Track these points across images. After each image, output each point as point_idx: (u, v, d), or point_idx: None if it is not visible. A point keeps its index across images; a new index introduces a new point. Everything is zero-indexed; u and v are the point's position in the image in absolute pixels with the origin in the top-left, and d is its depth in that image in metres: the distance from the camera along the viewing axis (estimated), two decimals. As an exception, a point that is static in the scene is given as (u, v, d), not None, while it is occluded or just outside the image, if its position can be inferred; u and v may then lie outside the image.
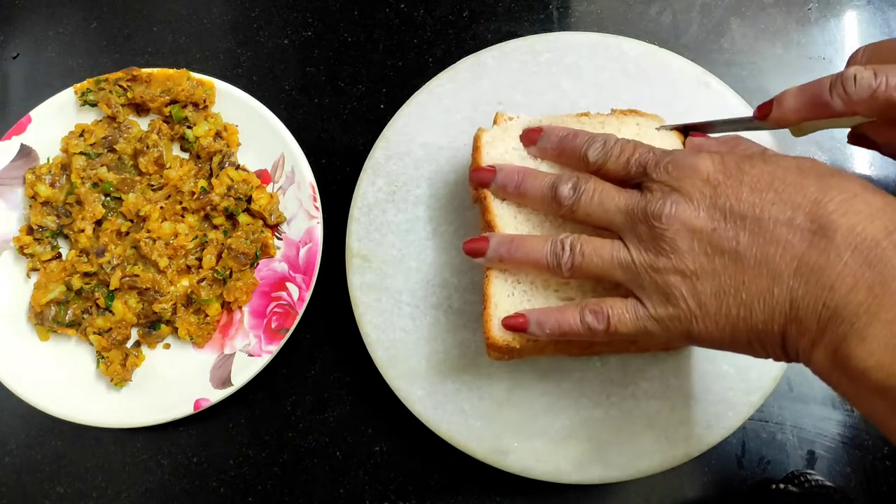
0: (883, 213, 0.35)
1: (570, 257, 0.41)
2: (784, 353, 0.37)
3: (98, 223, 0.57)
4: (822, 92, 0.40)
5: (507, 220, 0.46)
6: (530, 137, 0.47)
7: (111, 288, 0.55)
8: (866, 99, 0.38)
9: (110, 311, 0.55)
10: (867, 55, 0.42)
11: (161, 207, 0.57)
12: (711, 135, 0.47)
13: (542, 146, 0.46)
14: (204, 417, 0.55)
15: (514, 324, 0.43)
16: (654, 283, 0.39)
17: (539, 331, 0.42)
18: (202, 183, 0.57)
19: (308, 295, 0.54)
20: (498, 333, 0.44)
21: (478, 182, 0.47)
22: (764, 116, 0.43)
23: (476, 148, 0.49)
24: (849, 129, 0.45)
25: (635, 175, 0.41)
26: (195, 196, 0.57)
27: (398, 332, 0.52)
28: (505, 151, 0.48)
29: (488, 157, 0.48)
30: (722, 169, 0.38)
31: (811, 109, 0.41)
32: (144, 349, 0.56)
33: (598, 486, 0.52)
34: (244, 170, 0.58)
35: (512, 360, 0.47)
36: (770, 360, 0.38)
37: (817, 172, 0.37)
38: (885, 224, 0.34)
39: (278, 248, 0.57)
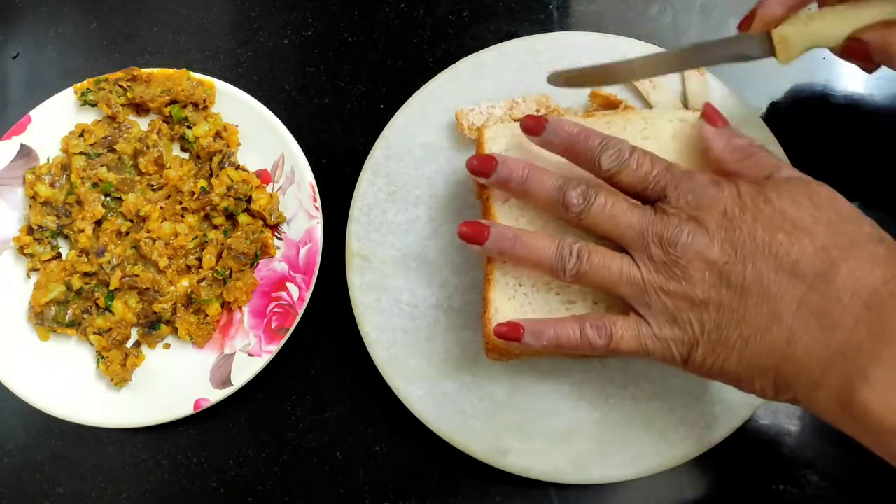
0: (884, 262, 0.36)
1: (576, 263, 0.41)
2: (774, 391, 0.38)
3: (98, 223, 0.57)
4: None
5: (509, 223, 0.46)
6: (533, 126, 0.44)
7: (111, 288, 0.55)
8: None
9: (110, 311, 0.55)
10: None
11: (161, 207, 0.57)
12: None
13: (548, 139, 0.44)
14: (204, 417, 0.55)
15: (507, 333, 0.42)
16: (663, 305, 0.39)
17: (535, 342, 0.42)
18: (202, 183, 0.57)
19: (308, 295, 0.54)
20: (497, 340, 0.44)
21: (476, 171, 0.44)
22: (748, 25, 0.43)
23: (479, 144, 0.48)
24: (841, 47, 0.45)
25: (652, 193, 0.41)
26: (195, 196, 0.57)
27: (398, 332, 0.52)
28: (507, 149, 0.48)
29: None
30: (739, 203, 0.39)
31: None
32: (144, 349, 0.56)
33: (597, 487, 0.52)
34: (244, 170, 0.58)
35: (511, 360, 0.47)
36: None
37: (828, 216, 0.38)
38: (883, 273, 0.35)
39: (278, 248, 0.57)
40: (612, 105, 0.54)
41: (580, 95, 0.56)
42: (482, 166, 0.44)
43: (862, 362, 0.34)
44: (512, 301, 0.45)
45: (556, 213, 0.43)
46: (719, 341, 0.38)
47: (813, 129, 0.59)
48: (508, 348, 0.44)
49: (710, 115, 0.45)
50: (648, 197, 0.42)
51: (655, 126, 0.47)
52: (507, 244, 0.42)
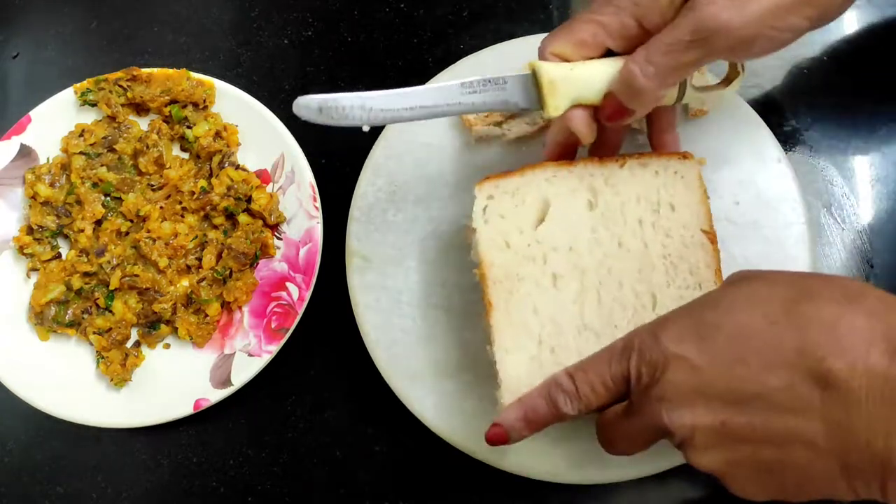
0: (871, 333, 0.32)
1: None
2: (865, 490, 0.34)
3: (98, 223, 0.57)
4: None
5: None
6: (494, 440, 0.42)
7: (111, 288, 0.55)
8: None
9: (110, 311, 0.55)
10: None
11: (161, 207, 0.57)
12: None
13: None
14: (204, 417, 0.55)
15: (494, 439, 0.42)
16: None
17: (518, 436, 0.42)
18: (202, 183, 0.57)
19: (308, 295, 0.54)
20: None
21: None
22: (615, 116, 0.44)
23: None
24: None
25: (617, 395, 0.39)
26: (195, 196, 0.57)
27: (398, 332, 0.52)
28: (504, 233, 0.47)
29: (489, 254, 0.46)
30: (693, 349, 0.35)
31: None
32: (144, 349, 0.56)
33: (597, 486, 0.52)
34: (244, 170, 0.58)
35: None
36: None
37: (782, 308, 0.34)
38: (881, 350, 0.32)
39: (278, 248, 0.57)
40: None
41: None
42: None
43: None
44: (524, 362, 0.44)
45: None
46: (770, 488, 0.35)
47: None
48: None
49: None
50: (621, 398, 0.39)
51: (645, 178, 0.47)
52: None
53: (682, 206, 0.46)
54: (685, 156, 0.47)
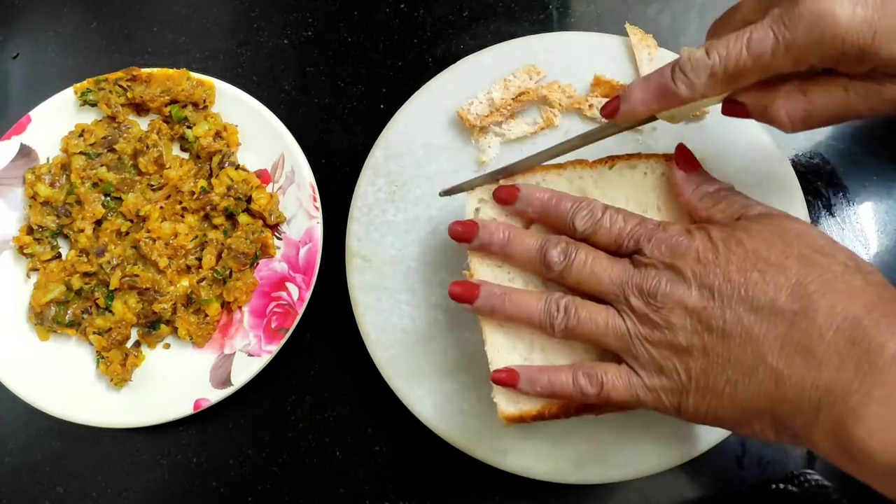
0: (862, 292, 0.35)
1: (563, 319, 0.41)
2: (775, 432, 0.37)
3: (98, 223, 0.57)
4: (666, 81, 0.40)
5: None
6: (505, 196, 0.45)
7: (111, 288, 0.55)
8: (706, 80, 0.39)
9: (110, 311, 0.55)
10: (715, 28, 0.43)
11: (161, 207, 0.57)
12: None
13: (521, 208, 0.44)
14: (204, 417, 0.55)
15: (504, 380, 0.42)
16: (649, 355, 0.39)
17: (530, 388, 0.42)
18: (202, 183, 0.57)
19: (308, 295, 0.54)
20: (506, 409, 0.43)
21: (458, 237, 0.44)
22: (611, 114, 0.43)
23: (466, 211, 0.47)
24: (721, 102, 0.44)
25: (627, 249, 0.42)
26: (195, 196, 0.57)
27: (398, 332, 0.52)
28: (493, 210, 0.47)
29: (478, 255, 0.46)
30: (711, 248, 0.39)
31: (659, 99, 0.41)
32: (144, 349, 0.56)
33: (597, 486, 0.52)
34: (244, 170, 0.58)
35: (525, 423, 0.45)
36: None
37: (800, 251, 0.37)
38: (864, 303, 0.35)
39: (278, 248, 0.57)
40: (614, 90, 0.55)
41: (581, 80, 0.56)
42: (464, 232, 0.44)
43: (853, 402, 0.33)
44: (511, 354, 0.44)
45: (539, 272, 0.44)
46: (708, 387, 0.38)
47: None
48: (521, 417, 0.43)
49: (681, 157, 0.45)
50: (624, 252, 0.42)
51: (635, 180, 0.47)
52: (497, 302, 0.43)
53: (670, 206, 0.46)
54: (671, 157, 0.47)
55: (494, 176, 0.47)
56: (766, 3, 0.38)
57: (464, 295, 0.43)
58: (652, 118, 0.44)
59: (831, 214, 0.58)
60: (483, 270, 0.45)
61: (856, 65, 0.36)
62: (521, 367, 0.42)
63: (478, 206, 0.46)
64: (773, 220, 0.40)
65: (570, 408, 0.43)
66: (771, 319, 0.36)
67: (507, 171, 0.47)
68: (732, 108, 0.42)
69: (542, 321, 0.42)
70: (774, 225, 0.39)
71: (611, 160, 0.47)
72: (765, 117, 0.40)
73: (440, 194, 0.48)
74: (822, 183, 0.59)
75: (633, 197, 0.46)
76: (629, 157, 0.47)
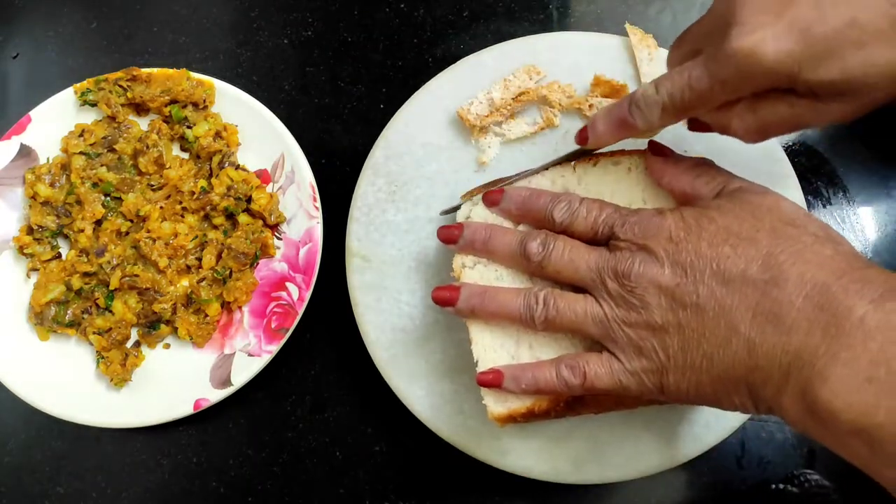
0: (832, 261, 0.36)
1: (543, 311, 0.42)
2: (753, 403, 0.38)
3: (98, 223, 0.57)
4: (624, 115, 0.42)
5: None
6: (492, 199, 0.47)
7: (111, 288, 0.55)
8: (659, 113, 0.41)
9: (110, 311, 0.55)
10: (673, 49, 0.44)
11: (161, 207, 0.57)
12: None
13: (505, 207, 0.46)
14: (204, 417, 0.55)
15: (490, 381, 0.43)
16: (628, 337, 0.40)
17: (515, 387, 0.42)
18: (202, 183, 0.57)
19: (308, 295, 0.54)
20: (495, 409, 0.43)
21: (445, 239, 0.46)
22: (583, 142, 0.46)
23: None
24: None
25: (602, 235, 0.43)
26: (195, 196, 0.57)
27: (398, 332, 0.52)
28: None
29: (462, 256, 0.47)
30: (683, 226, 0.40)
31: (620, 131, 0.44)
32: (144, 349, 0.56)
33: (597, 487, 0.52)
34: (244, 170, 0.58)
35: (518, 424, 0.45)
36: None
37: (771, 224, 0.38)
38: (833, 269, 0.36)
39: (278, 248, 0.57)
40: (614, 90, 0.55)
41: (581, 80, 0.56)
42: (449, 234, 0.46)
43: (820, 364, 0.34)
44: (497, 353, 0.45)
45: (520, 266, 0.45)
46: (686, 364, 0.38)
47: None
48: (511, 416, 0.43)
49: (654, 149, 0.46)
50: (601, 239, 0.43)
51: (619, 176, 0.47)
52: (477, 301, 0.44)
53: (656, 200, 0.46)
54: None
55: (487, 187, 0.49)
56: (704, 36, 0.41)
57: (447, 299, 0.45)
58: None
59: (831, 214, 0.58)
60: (468, 273, 0.46)
61: (792, 88, 0.38)
62: (505, 367, 0.43)
63: (468, 215, 0.47)
64: (745, 196, 0.40)
65: (560, 404, 0.43)
66: (742, 290, 0.37)
67: (499, 182, 0.49)
68: (696, 125, 0.45)
69: (522, 315, 0.43)
70: (746, 201, 0.40)
71: (594, 157, 0.48)
72: (725, 132, 0.42)
73: (441, 213, 0.52)
74: (822, 183, 0.59)
75: (618, 192, 0.46)
76: (612, 153, 0.48)
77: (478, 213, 0.47)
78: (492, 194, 0.47)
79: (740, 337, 0.37)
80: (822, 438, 0.35)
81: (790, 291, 0.36)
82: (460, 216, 0.48)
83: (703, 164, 0.44)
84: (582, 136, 0.46)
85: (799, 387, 0.35)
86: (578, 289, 0.43)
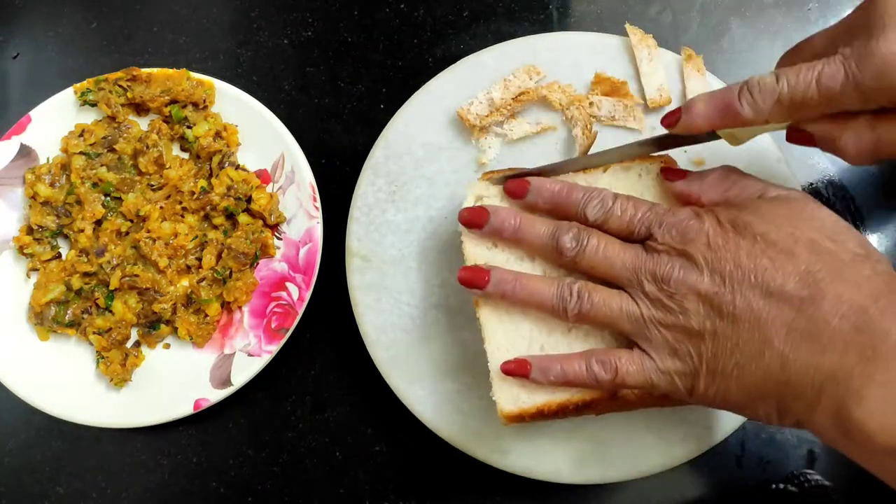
0: (869, 281, 0.36)
1: (577, 303, 0.42)
2: (778, 415, 0.38)
3: (98, 223, 0.57)
4: (732, 99, 0.40)
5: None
6: (516, 190, 0.45)
7: (111, 288, 0.55)
8: (772, 104, 0.39)
9: (110, 311, 0.55)
10: (786, 58, 0.43)
11: (161, 207, 0.57)
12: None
13: (532, 200, 0.45)
14: (204, 417, 0.55)
15: (515, 370, 0.42)
16: (663, 338, 0.40)
17: (542, 378, 0.42)
18: (202, 183, 0.57)
19: (308, 295, 0.54)
20: (506, 407, 0.43)
21: (468, 223, 0.45)
22: (671, 124, 0.43)
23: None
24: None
25: (639, 235, 0.42)
26: (195, 196, 0.57)
27: (398, 332, 0.52)
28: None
29: (474, 253, 0.46)
30: (721, 232, 0.40)
31: (721, 116, 0.41)
32: (144, 349, 0.56)
33: (597, 487, 0.52)
34: (244, 170, 0.58)
35: (524, 423, 0.45)
36: None
37: (809, 235, 0.38)
38: (870, 291, 0.36)
39: (278, 248, 0.57)
40: (615, 88, 0.55)
41: (581, 80, 0.56)
42: (474, 218, 0.45)
43: (855, 386, 0.34)
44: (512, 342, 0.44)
45: (551, 258, 0.44)
46: (718, 370, 0.39)
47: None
48: (521, 415, 0.43)
49: (669, 174, 0.45)
50: (636, 238, 0.43)
51: (630, 182, 0.47)
52: (509, 287, 0.43)
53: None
54: (666, 160, 0.47)
55: (509, 172, 0.47)
56: (839, 39, 0.39)
57: (474, 280, 0.44)
58: (713, 136, 0.44)
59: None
60: (485, 258, 0.45)
61: None
62: (532, 357, 0.43)
63: (480, 195, 0.47)
64: (782, 203, 0.40)
65: (570, 406, 0.43)
66: (779, 306, 0.37)
67: (520, 173, 0.47)
68: (798, 136, 0.42)
69: (554, 305, 0.42)
70: (784, 207, 0.40)
71: (605, 165, 0.47)
72: (830, 148, 0.41)
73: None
74: (822, 183, 0.59)
75: None
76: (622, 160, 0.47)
77: (491, 199, 0.46)
78: (516, 184, 0.45)
79: (774, 351, 0.37)
80: (855, 455, 0.36)
81: (827, 310, 0.36)
82: (471, 198, 0.47)
83: (732, 175, 0.43)
84: (672, 118, 0.43)
85: (833, 405, 0.35)
86: (608, 282, 0.42)
